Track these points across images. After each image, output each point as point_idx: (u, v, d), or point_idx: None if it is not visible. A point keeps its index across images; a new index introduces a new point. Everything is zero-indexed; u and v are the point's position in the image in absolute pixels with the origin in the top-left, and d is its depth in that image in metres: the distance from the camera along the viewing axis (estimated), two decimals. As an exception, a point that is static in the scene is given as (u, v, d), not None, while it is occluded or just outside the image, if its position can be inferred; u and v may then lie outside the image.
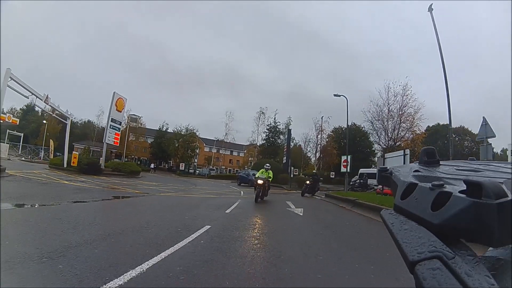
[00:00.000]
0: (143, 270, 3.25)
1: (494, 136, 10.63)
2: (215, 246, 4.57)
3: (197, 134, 55.25)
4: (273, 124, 46.41)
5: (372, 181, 28.44)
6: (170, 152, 52.71)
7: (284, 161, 35.46)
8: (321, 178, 26.81)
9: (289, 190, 25.36)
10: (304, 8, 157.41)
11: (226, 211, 8.58)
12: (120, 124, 26.08)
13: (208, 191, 17.18)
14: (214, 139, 58.17)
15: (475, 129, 57.62)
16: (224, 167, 64.10)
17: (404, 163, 19.72)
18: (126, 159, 40.05)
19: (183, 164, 49.13)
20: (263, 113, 47.72)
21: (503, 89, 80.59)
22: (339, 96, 24.91)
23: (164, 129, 55.62)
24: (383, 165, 10.45)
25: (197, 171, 50.12)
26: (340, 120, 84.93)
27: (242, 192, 18.53)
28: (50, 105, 20.11)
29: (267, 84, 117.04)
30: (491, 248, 0.39)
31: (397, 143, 26.23)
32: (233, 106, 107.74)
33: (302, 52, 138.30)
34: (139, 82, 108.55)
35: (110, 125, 24.09)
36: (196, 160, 56.20)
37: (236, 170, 58.68)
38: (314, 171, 29.29)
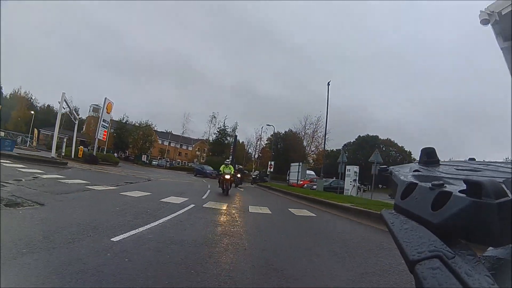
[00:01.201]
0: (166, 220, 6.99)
1: (381, 161, 18.42)
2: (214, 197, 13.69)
3: (153, 127, 61.91)
4: (223, 127, 55.88)
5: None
6: (130, 143, 58.52)
7: (230, 159, 45.24)
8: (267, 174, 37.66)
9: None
10: (266, 7, 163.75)
11: (209, 186, 17.58)
12: (107, 123, 33.26)
13: (183, 179, 25.23)
14: (165, 131, 65.26)
15: (399, 141, 72.56)
16: (174, 159, 70.81)
17: (298, 171, 30.29)
18: (89, 148, 45.55)
19: (145, 155, 56.07)
20: (215, 117, 57.21)
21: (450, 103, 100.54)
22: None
23: (124, 121, 60.69)
24: (298, 169, 23.77)
25: (154, 162, 56.50)
26: (283, 124, 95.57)
27: (203, 180, 27.56)
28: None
29: (218, 78, 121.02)
30: (491, 247, 0.40)
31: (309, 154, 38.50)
32: (184, 97, 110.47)
33: (255, 49, 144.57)
34: (99, 70, 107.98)
35: (102, 124, 31.31)
36: (151, 152, 62.73)
37: (184, 162, 66.45)
38: (240, 166, 36.96)
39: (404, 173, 0.54)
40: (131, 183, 14.29)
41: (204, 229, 5.88)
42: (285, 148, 52.18)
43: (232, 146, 46.22)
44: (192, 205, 8.75)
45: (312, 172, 37.48)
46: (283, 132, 58.51)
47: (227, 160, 16.38)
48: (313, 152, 45.35)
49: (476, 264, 0.33)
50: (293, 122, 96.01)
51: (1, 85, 51.87)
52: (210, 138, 58.04)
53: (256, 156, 55.14)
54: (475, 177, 0.40)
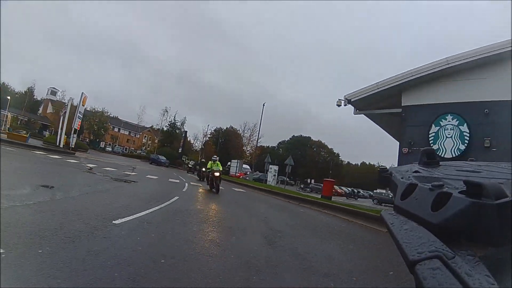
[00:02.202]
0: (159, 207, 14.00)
1: (293, 164, 29.00)
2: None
3: (107, 114, 66.54)
4: (173, 121, 63.40)
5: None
6: (85, 128, 62.25)
7: (180, 151, 53.64)
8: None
9: (183, 170, 43.88)
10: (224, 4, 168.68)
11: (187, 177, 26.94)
12: (82, 115, 39.06)
13: (150, 167, 33.64)
14: (113, 116, 69.97)
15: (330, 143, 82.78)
16: (123, 146, 75.22)
17: (237, 166, 40.65)
18: (48, 132, 49.72)
19: (104, 143, 61.27)
20: (167, 111, 64.32)
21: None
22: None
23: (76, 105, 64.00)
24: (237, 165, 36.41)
25: (108, 148, 61.26)
26: (226, 115, 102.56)
27: (174, 173, 36.18)
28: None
29: (165, 63, 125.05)
30: (491, 248, 0.39)
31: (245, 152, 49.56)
32: (129, 80, 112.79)
33: (203, 39, 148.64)
34: (44, 44, 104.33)
35: (78, 115, 37.24)
36: (104, 138, 67.31)
37: (132, 149, 72.01)
38: (203, 159, 45.34)
39: (404, 173, 0.56)
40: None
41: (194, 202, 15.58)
42: (226, 143, 62.03)
43: (182, 140, 54.69)
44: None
45: (247, 166, 47.70)
46: (225, 128, 67.88)
47: (215, 157, 15.79)
48: (248, 151, 57.08)
49: (476, 264, 0.33)
50: (234, 114, 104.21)
51: None
52: (164, 127, 64.66)
53: (199, 148, 64.10)
54: (475, 178, 0.40)
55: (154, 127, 70.24)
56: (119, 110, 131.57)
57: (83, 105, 39.15)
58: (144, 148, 73.39)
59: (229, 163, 43.46)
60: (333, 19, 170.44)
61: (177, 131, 62.78)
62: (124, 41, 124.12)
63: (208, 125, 60.32)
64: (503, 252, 0.37)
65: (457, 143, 12.97)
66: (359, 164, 77.94)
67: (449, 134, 13.14)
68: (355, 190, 49.57)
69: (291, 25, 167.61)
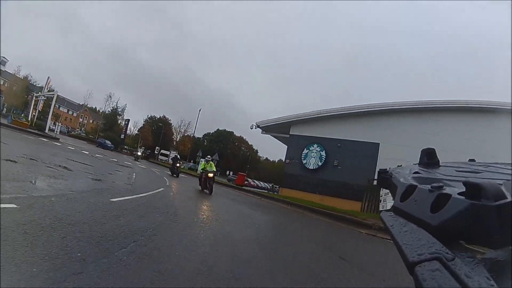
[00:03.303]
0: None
1: (218, 159, 37.07)
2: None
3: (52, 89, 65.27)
4: (116, 107, 65.81)
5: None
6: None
7: (122, 136, 57.40)
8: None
9: (126, 155, 47.98)
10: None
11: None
12: (45, 97, 38.86)
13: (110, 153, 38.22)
14: (52, 94, 69.30)
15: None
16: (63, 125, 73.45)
17: (169, 155, 46.91)
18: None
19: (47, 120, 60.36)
20: (110, 97, 66.57)
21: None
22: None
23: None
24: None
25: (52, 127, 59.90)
26: (158, 101, 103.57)
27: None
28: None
29: (102, 33, 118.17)
30: (490, 249, 0.39)
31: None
32: (63, 48, 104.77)
33: (142, 14, 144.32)
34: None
35: (42, 98, 38.05)
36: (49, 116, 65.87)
37: (69, 127, 71.05)
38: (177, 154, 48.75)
39: (404, 175, 0.55)
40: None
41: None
42: (158, 132, 66.77)
43: (125, 127, 58.64)
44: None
45: (178, 156, 54.06)
46: (158, 116, 71.70)
47: (208, 157, 15.65)
48: (180, 143, 63.86)
49: (476, 265, 0.33)
50: (168, 101, 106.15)
51: None
52: (106, 111, 66.07)
53: (135, 133, 67.71)
54: (474, 179, 0.39)
55: (88, 105, 70.90)
56: (54, 82, 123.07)
57: (47, 88, 39.63)
58: (82, 128, 73.00)
59: (168, 152, 49.31)
60: (280, 19, 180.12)
61: (118, 116, 65.93)
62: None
63: (148, 115, 64.88)
64: (503, 254, 0.38)
65: (317, 161, 21.82)
66: (276, 161, 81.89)
67: (313, 155, 21.97)
68: (275, 186, 53.90)
69: (238, 20, 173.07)
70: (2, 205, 4.09)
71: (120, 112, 65.06)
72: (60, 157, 12.66)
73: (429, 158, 0.59)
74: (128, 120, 61.57)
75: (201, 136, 75.22)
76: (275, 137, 26.47)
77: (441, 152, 0.68)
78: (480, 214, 0.34)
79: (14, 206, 4.26)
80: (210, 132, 77.45)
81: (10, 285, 2.30)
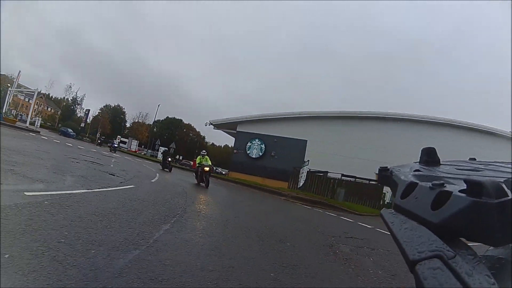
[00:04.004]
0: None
1: (175, 148, 42.15)
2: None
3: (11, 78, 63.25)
4: (75, 97, 66.69)
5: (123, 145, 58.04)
6: None
7: (83, 125, 58.99)
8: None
9: (87, 142, 50.07)
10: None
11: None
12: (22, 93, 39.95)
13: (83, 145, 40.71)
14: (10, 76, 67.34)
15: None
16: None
17: (132, 144, 50.92)
18: None
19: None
20: (70, 87, 66.96)
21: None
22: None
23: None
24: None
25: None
26: (112, 88, 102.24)
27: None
28: None
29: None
30: (491, 247, 0.39)
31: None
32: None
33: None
34: None
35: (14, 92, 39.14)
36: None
37: (22, 114, 68.98)
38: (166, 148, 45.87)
39: (405, 172, 0.55)
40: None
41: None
42: (115, 120, 69.02)
43: (85, 117, 60.46)
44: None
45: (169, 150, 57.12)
46: (113, 104, 73.65)
47: (203, 151, 15.79)
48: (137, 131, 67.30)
49: (477, 264, 0.33)
50: (120, 89, 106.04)
51: None
52: (66, 100, 66.82)
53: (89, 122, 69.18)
54: (475, 177, 0.39)
55: (42, 91, 70.23)
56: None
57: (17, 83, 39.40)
58: (38, 116, 71.41)
59: (125, 140, 52.69)
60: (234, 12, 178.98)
61: (77, 105, 66.93)
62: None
63: (105, 104, 67.26)
64: (504, 252, 0.38)
65: (258, 152, 28.18)
66: (222, 146, 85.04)
67: (255, 147, 28.32)
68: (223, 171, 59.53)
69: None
70: (125, 186, 7.87)
71: (79, 102, 66.30)
72: (77, 153, 16.03)
73: (429, 156, 0.59)
74: (89, 110, 63.54)
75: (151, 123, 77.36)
76: (225, 132, 32.56)
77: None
78: (481, 211, 0.33)
79: (132, 186, 8.51)
80: (160, 119, 78.70)
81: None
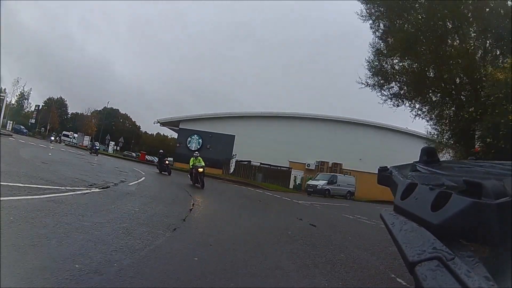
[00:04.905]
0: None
1: (123, 142, 46.97)
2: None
3: None
4: (22, 91, 65.05)
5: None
6: None
7: (33, 121, 58.70)
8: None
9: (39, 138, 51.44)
10: None
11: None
12: None
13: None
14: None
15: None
16: None
17: (84, 139, 54.15)
18: None
19: None
20: (17, 81, 65.15)
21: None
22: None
23: None
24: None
25: None
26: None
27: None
28: None
29: None
30: (491, 248, 0.39)
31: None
32: None
33: None
34: None
35: None
36: None
37: None
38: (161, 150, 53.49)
39: (404, 173, 0.55)
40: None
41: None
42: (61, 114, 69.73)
43: (36, 114, 60.20)
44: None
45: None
46: (56, 97, 72.71)
47: (196, 153, 16.20)
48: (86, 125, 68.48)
49: (476, 265, 0.32)
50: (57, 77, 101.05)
51: None
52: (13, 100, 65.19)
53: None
54: (475, 177, 0.39)
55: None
56: None
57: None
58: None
59: (75, 134, 55.19)
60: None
61: (24, 100, 66.21)
62: None
63: (49, 97, 67.21)
64: (503, 252, 0.38)
65: (197, 145, 35.15)
66: (154, 134, 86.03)
67: (194, 141, 35.34)
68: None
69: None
70: (139, 180, 12.84)
71: (26, 96, 65.98)
72: (59, 156, 21.01)
73: (429, 156, 0.59)
74: (39, 105, 63.60)
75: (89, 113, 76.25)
76: (169, 128, 38.99)
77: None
78: (481, 212, 0.33)
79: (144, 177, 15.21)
80: (97, 110, 78.23)
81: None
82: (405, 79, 11.87)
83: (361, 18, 12.05)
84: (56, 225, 4.26)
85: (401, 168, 0.59)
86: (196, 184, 14.80)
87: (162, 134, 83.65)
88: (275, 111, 37.24)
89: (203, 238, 5.46)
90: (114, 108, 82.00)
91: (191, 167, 15.24)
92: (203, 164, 15.07)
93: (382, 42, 12.13)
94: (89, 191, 7.63)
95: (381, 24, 11.81)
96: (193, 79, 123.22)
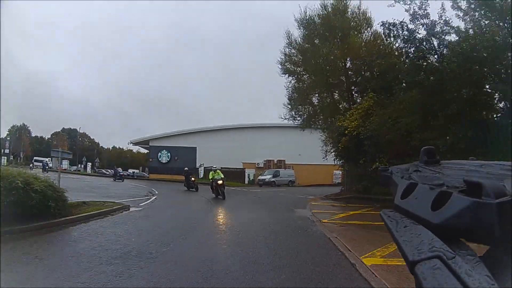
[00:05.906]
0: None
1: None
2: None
3: None
4: None
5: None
6: None
7: (7, 151, 58.92)
8: None
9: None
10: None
11: None
12: None
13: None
14: None
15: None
16: None
17: (59, 152, 57.46)
18: None
19: None
20: None
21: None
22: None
23: None
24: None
25: None
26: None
27: None
28: None
29: None
30: (491, 247, 0.39)
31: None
32: None
33: None
34: None
35: None
36: None
37: None
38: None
39: (404, 173, 0.55)
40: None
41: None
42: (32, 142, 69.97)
43: (8, 144, 60.89)
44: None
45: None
46: (19, 124, 71.40)
47: (214, 166, 16.75)
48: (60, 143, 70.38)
49: (477, 264, 0.32)
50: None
51: None
52: None
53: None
54: (475, 177, 0.40)
55: None
56: None
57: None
58: None
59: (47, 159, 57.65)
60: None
61: None
62: None
63: (13, 125, 67.29)
64: (503, 252, 0.37)
65: (166, 158, 42.77)
66: (110, 148, 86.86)
67: (164, 156, 42.89)
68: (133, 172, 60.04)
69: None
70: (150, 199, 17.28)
71: None
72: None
73: (429, 156, 0.59)
74: (8, 136, 62.98)
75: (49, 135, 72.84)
76: (141, 147, 45.82)
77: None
78: (481, 211, 0.33)
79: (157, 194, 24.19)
80: (58, 131, 74.79)
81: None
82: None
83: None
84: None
85: (401, 169, 0.61)
86: (218, 196, 15.56)
87: (118, 147, 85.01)
88: (229, 124, 46.00)
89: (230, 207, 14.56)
90: (72, 128, 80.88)
91: (210, 180, 16.08)
92: (222, 176, 15.79)
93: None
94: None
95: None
96: (142, 89, 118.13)
